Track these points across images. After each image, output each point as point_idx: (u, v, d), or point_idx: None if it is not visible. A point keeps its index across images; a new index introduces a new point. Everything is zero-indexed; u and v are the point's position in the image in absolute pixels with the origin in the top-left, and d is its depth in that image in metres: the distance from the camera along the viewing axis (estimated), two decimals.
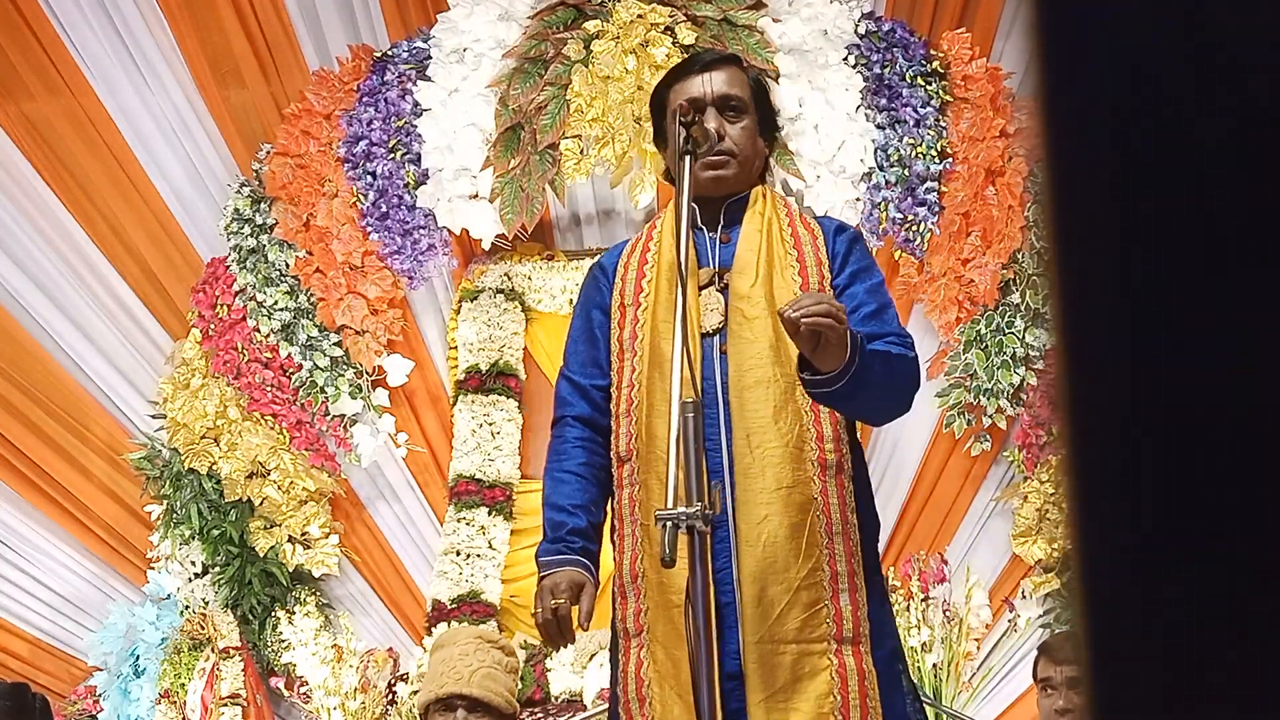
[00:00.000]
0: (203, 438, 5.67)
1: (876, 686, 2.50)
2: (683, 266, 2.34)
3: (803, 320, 2.28)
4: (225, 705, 5.21)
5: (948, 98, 5.59)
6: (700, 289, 2.63)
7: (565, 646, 2.60)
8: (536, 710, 5.26)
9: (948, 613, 5.33)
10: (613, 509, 2.67)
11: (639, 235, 2.82)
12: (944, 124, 5.56)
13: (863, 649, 2.51)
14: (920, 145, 5.50)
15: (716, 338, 2.60)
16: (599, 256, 2.93)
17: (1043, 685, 3.85)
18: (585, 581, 2.56)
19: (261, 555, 5.61)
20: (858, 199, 5.51)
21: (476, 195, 5.60)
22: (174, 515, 5.65)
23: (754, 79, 2.82)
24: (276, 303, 5.69)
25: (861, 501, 2.61)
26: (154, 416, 5.83)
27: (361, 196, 5.69)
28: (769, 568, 2.48)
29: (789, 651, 2.47)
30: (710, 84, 2.70)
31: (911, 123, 5.52)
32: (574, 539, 2.60)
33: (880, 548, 2.75)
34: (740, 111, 2.72)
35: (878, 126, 5.52)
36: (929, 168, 5.50)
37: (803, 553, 2.49)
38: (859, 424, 2.85)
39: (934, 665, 5.26)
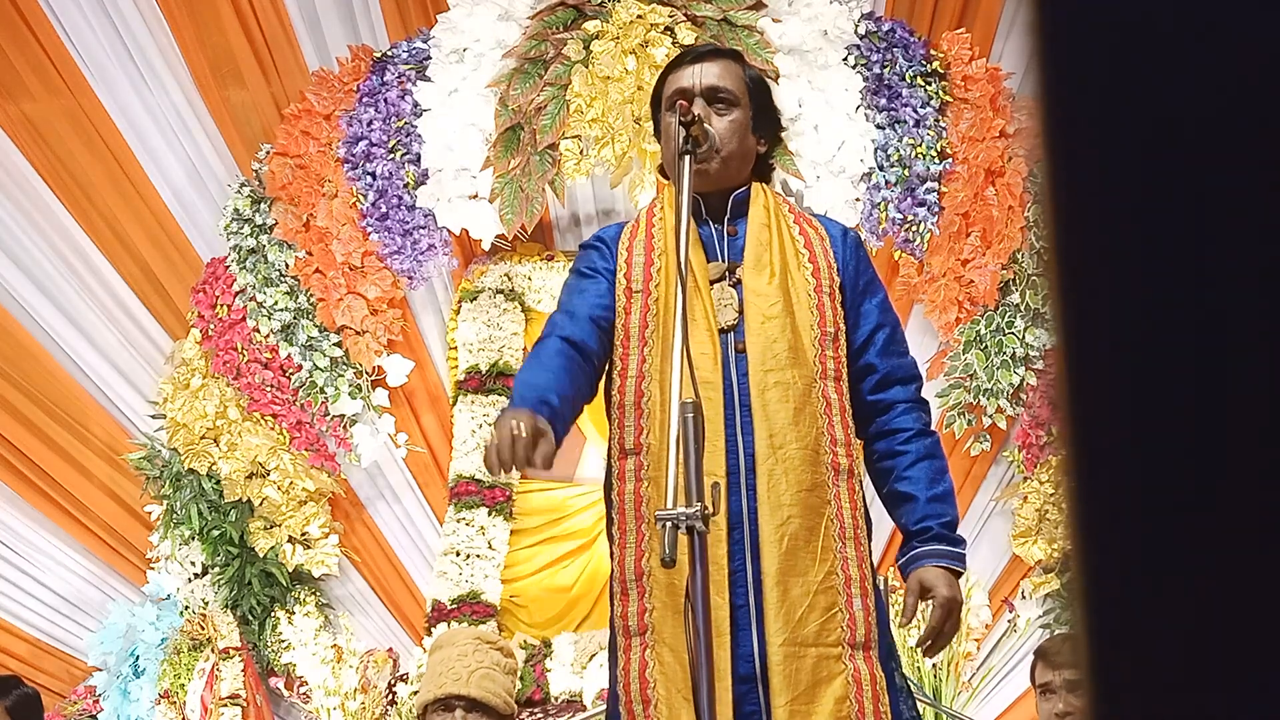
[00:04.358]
0: (202, 438, 5.66)
1: (886, 691, 2.51)
2: (682, 266, 2.32)
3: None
4: (225, 705, 5.21)
5: (947, 98, 5.59)
6: (711, 283, 2.60)
7: (508, 473, 2.33)
8: (536, 710, 5.26)
9: None
10: (612, 505, 2.61)
11: (636, 219, 2.76)
12: (944, 124, 5.56)
13: (873, 654, 2.51)
14: (920, 145, 5.50)
15: (732, 334, 2.57)
16: (596, 231, 2.85)
17: (1042, 690, 3.84)
18: (547, 430, 2.33)
19: (261, 555, 5.60)
20: (857, 199, 5.51)
21: (476, 195, 5.60)
22: (174, 515, 5.64)
23: (752, 76, 2.79)
24: (276, 303, 5.69)
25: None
26: (154, 416, 5.82)
27: (361, 197, 5.69)
28: (791, 569, 2.47)
29: (809, 655, 2.46)
30: (700, 75, 2.68)
31: (911, 123, 5.52)
32: (542, 407, 2.38)
33: (879, 549, 2.76)
34: (729, 104, 2.67)
35: (877, 126, 5.51)
36: (929, 168, 5.50)
37: (819, 556, 2.49)
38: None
39: (934, 665, 5.26)
